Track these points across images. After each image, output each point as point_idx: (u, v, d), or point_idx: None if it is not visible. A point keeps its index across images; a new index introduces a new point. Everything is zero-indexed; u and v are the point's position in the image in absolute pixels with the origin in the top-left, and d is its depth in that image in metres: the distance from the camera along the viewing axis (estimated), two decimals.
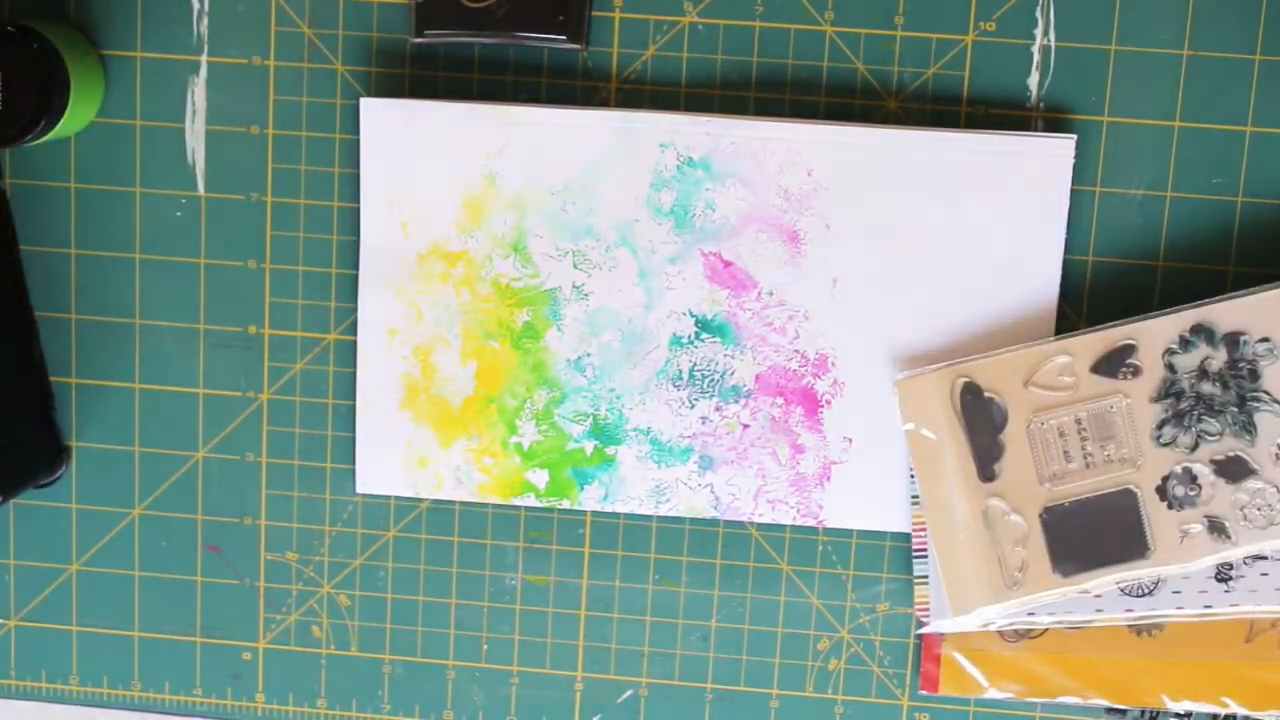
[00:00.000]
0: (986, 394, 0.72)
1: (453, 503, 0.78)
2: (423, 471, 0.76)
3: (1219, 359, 0.71)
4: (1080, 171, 0.73)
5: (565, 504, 0.77)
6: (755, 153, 0.73)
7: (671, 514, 0.76)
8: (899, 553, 0.77)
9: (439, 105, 0.74)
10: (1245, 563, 0.73)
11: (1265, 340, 0.70)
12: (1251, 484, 0.71)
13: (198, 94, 0.76)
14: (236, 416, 0.78)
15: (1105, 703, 0.75)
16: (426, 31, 0.73)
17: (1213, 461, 0.71)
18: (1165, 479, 0.72)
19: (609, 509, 0.76)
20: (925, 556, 0.74)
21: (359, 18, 0.75)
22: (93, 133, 0.76)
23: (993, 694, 0.76)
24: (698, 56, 0.74)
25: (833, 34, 0.73)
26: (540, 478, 0.76)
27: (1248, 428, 0.71)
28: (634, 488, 0.76)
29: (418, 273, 0.74)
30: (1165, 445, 0.71)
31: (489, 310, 0.75)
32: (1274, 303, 0.70)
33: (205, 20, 0.75)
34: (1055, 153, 0.72)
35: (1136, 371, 0.71)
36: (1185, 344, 0.71)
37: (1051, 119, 0.73)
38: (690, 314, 0.75)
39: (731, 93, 0.74)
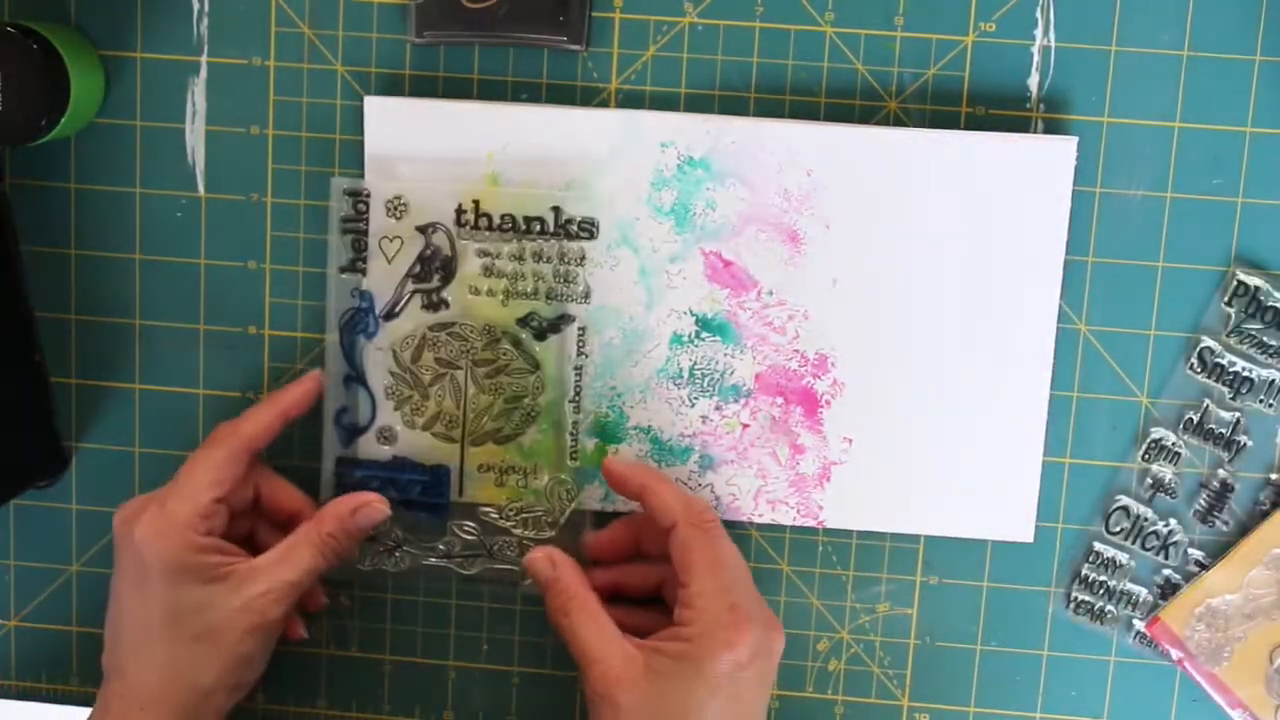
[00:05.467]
0: None
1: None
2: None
3: None
4: (1080, 172, 0.73)
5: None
6: (755, 153, 0.73)
7: None
8: (899, 553, 0.77)
9: (443, 104, 0.74)
10: None
11: None
12: None
13: (198, 94, 0.76)
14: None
15: None
16: (426, 31, 0.73)
17: None
18: None
19: (609, 509, 0.76)
20: None
21: (359, 18, 0.75)
22: (93, 133, 0.76)
23: None
24: (698, 56, 0.74)
25: (833, 34, 0.74)
26: (540, 478, 0.76)
27: None
28: None
29: (420, 270, 0.74)
30: None
31: (490, 308, 0.75)
32: None
33: (205, 20, 0.75)
34: (1056, 154, 0.72)
35: None
36: None
37: (1051, 119, 0.73)
38: (691, 313, 0.74)
39: (731, 93, 0.74)
